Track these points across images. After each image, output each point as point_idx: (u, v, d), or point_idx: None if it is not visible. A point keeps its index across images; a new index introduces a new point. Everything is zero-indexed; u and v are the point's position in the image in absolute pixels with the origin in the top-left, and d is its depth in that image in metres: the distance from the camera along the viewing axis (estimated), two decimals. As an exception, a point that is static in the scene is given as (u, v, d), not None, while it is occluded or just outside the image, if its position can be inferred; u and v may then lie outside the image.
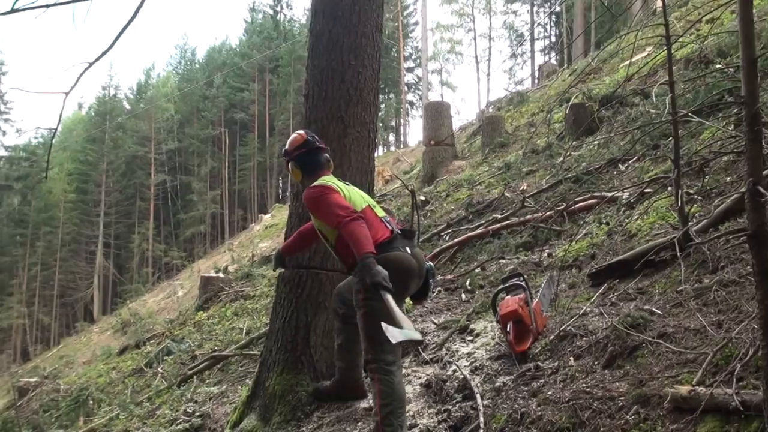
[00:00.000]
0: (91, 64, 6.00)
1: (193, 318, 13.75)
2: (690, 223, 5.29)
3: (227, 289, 14.51)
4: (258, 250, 23.90)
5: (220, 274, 16.79)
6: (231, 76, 62.65)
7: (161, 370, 10.08)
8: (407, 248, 4.18)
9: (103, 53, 6.12)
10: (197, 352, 10.18)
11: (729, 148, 6.71)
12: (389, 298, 3.80)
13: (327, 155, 4.64)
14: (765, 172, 5.31)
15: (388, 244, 4.11)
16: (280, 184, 64.23)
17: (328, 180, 4.37)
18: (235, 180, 63.48)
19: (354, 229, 3.98)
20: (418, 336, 3.75)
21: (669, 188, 6.38)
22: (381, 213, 4.33)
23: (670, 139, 6.27)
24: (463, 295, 6.99)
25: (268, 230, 31.23)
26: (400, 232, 4.27)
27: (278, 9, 69.46)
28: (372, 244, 3.94)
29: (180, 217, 62.09)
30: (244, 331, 10.25)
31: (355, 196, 4.32)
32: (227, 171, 62.94)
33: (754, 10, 11.37)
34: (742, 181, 5.23)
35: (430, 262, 4.30)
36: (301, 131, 4.71)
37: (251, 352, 8.43)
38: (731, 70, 8.33)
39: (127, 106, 71.08)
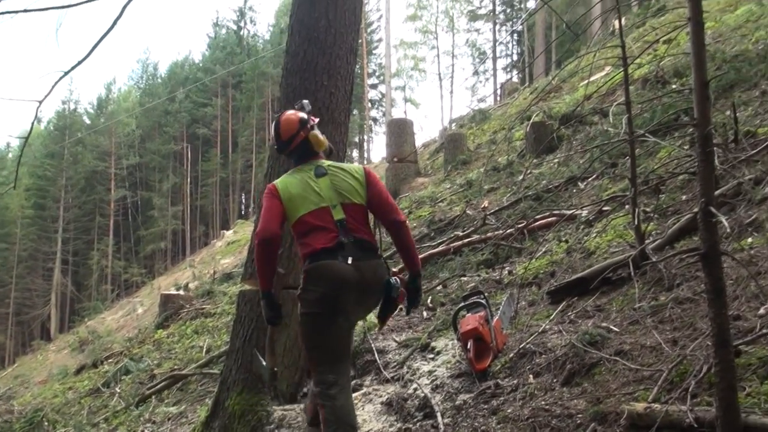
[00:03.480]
0: (66, 73, 5.98)
1: (152, 336, 13.57)
2: (647, 241, 5.38)
3: (188, 306, 14.36)
4: (220, 266, 23.70)
5: (181, 292, 16.62)
6: (194, 91, 62.21)
7: (119, 390, 9.92)
8: (349, 258, 3.78)
9: (79, 62, 6.11)
10: (156, 371, 10.04)
11: (684, 167, 6.83)
12: (270, 328, 3.98)
13: (306, 139, 4.14)
14: (717, 192, 5.44)
15: (323, 253, 3.80)
16: (243, 200, 63.87)
17: (284, 177, 4.12)
18: (197, 196, 62.93)
19: (256, 257, 3.95)
20: (265, 378, 3.97)
21: (626, 206, 6.47)
22: (339, 216, 3.88)
23: (627, 157, 6.39)
24: (425, 313, 7.00)
25: (231, 246, 30.99)
26: (354, 239, 3.86)
27: (242, 24, 69.27)
28: (266, 280, 3.90)
29: (140, 234, 61.30)
30: (204, 349, 10.14)
31: (302, 197, 3.93)
32: (189, 187, 62.38)
33: (709, 32, 11.68)
34: (696, 198, 5.34)
35: (394, 278, 3.91)
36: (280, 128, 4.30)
37: (211, 371, 8.34)
38: (687, 90, 8.50)
39: (87, 121, 70.10)
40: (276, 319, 4.02)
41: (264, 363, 4.18)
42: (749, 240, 4.80)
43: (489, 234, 8.60)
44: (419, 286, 4.11)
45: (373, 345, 6.29)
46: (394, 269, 4.09)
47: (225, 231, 40.27)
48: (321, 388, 3.74)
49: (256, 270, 4.03)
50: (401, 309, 4.26)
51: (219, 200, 62.11)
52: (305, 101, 4.33)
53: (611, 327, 4.57)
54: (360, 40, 55.22)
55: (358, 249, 3.82)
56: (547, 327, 5.10)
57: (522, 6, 54.39)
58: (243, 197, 63.77)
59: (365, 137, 63.13)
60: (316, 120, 4.25)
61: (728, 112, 7.12)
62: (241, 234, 32.71)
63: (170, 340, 12.24)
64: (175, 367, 9.71)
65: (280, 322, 4.12)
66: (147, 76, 75.34)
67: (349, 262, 3.76)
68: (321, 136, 4.14)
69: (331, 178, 3.96)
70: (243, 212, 59.94)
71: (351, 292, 3.79)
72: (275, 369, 4.18)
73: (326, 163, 4.08)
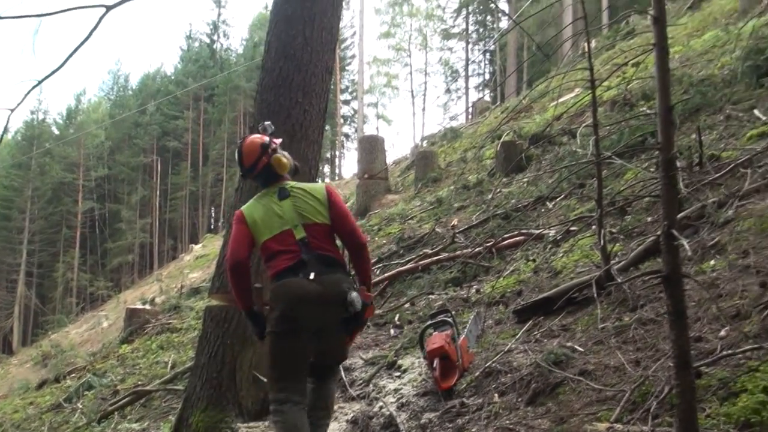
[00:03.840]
0: (40, 82, 5.99)
1: (116, 351, 13.39)
2: (612, 262, 5.43)
3: (153, 321, 14.21)
4: (188, 280, 23.49)
5: (147, 306, 16.46)
6: (165, 103, 61.83)
7: (81, 406, 9.76)
8: (311, 273, 3.81)
9: (54, 71, 6.11)
10: (119, 387, 9.91)
11: (649, 189, 6.92)
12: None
13: (269, 163, 4.16)
14: (682, 215, 5.53)
15: (285, 272, 3.86)
16: (213, 214, 63.48)
17: (250, 202, 4.18)
18: (166, 209, 62.41)
19: (230, 284, 4.03)
20: None
21: (593, 227, 6.53)
22: (300, 235, 3.91)
23: (595, 179, 6.47)
24: (392, 331, 7.01)
25: (199, 261, 30.72)
26: (317, 255, 3.88)
27: (215, 38, 69.17)
28: (244, 300, 3.99)
29: (107, 246, 60.56)
30: (169, 365, 10.03)
31: (265, 222, 3.98)
32: (158, 199, 61.88)
33: (677, 56, 11.86)
34: (661, 220, 5.41)
35: (355, 293, 3.89)
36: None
37: (176, 387, 8.24)
38: (653, 113, 8.62)
39: (56, 132, 69.37)
40: (264, 333, 4.05)
41: None
42: (712, 262, 4.86)
43: (457, 252, 8.63)
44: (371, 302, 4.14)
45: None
46: (361, 287, 4.09)
47: (194, 245, 39.93)
48: (275, 405, 3.79)
49: (230, 289, 4.07)
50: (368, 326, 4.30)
51: (188, 214, 61.67)
52: (267, 123, 4.36)
53: (576, 347, 4.61)
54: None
55: (321, 264, 3.86)
56: (513, 346, 5.13)
57: (494, 26, 55.02)
58: (213, 211, 63.40)
59: (337, 153, 63.23)
60: (279, 141, 4.28)
61: (693, 136, 7.23)
62: (210, 248, 32.46)
63: (135, 356, 12.09)
64: (139, 382, 9.59)
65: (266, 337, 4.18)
66: (118, 87, 74.77)
67: (311, 277, 3.79)
68: (284, 159, 4.18)
69: (293, 200, 4.01)
70: (212, 226, 59.55)
71: (313, 307, 3.80)
72: None
73: (290, 184, 4.12)
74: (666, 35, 3.34)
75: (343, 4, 6.54)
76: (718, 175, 6.37)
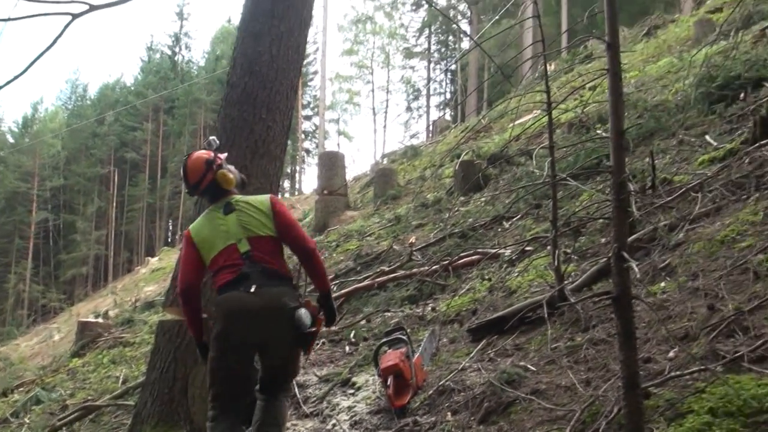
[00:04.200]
0: (0, 88, 5.86)
1: (67, 365, 13.11)
2: (565, 282, 5.49)
3: (106, 334, 13.96)
4: (143, 294, 23.16)
5: (100, 319, 16.17)
6: (124, 114, 61.17)
7: (28, 421, 9.53)
8: (253, 286, 3.78)
9: (15, 77, 6.01)
10: (69, 402, 9.70)
11: (603, 211, 7.03)
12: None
13: (215, 179, 4.15)
14: (634, 237, 5.62)
15: (226, 286, 3.86)
16: (170, 227, 62.78)
17: (197, 220, 4.20)
18: (122, 221, 61.59)
19: (182, 309, 4.07)
20: None
21: (548, 247, 6.61)
22: (244, 248, 3.90)
23: (551, 199, 6.58)
24: (347, 348, 6.99)
25: (155, 274, 30.32)
26: (260, 268, 3.87)
27: (177, 50, 68.79)
28: (195, 330, 4.04)
29: (61, 258, 59.49)
30: (121, 380, 9.85)
31: (212, 239, 3.97)
32: (115, 211, 61.05)
33: (633, 81, 12.08)
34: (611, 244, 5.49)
35: (304, 309, 3.86)
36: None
37: (126, 402, 8.10)
38: (608, 137, 8.77)
39: (11, 140, 68.15)
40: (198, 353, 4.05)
41: None
42: (662, 284, 4.95)
43: (414, 270, 8.65)
44: (331, 305, 4.13)
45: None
46: (307, 298, 4.08)
47: (150, 258, 39.41)
48: (208, 422, 3.86)
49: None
50: (322, 342, 4.26)
51: (145, 226, 60.92)
52: (212, 138, 4.37)
53: (528, 366, 4.64)
54: (295, 72, 55.46)
55: (263, 277, 3.84)
56: (467, 365, 5.15)
57: (456, 46, 55.62)
58: (170, 224, 62.73)
59: (297, 168, 63.09)
60: (224, 156, 4.27)
61: (647, 160, 7.37)
62: (166, 261, 32.05)
63: (85, 370, 11.85)
64: (89, 397, 9.40)
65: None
66: (76, 97, 73.86)
67: (252, 290, 3.77)
68: (229, 174, 4.18)
69: (238, 214, 4.00)
70: (170, 239, 58.88)
71: (253, 321, 3.77)
72: None
73: (235, 198, 4.11)
74: (619, 61, 3.42)
75: (311, 24, 6.57)
76: (669, 198, 6.50)
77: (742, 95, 8.74)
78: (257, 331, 3.81)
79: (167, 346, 5.43)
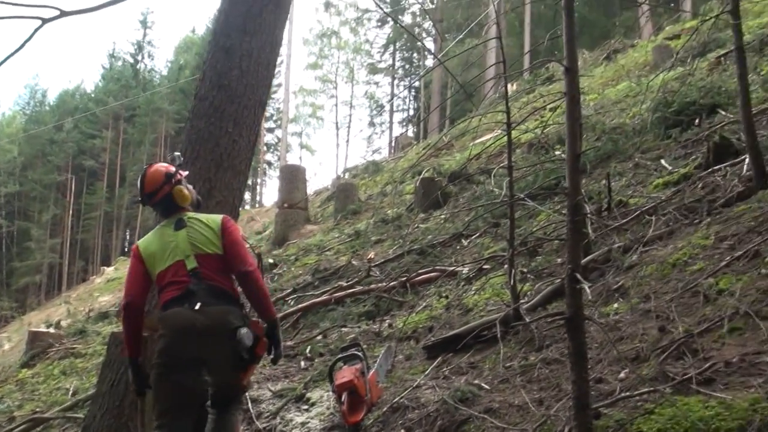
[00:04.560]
0: None
1: (16, 375, 12.82)
2: (521, 301, 5.55)
3: (57, 345, 13.68)
4: (97, 304, 22.81)
5: (52, 329, 15.86)
6: (83, 121, 60.33)
7: (-27, 432, 9.29)
8: (197, 304, 3.74)
9: None
10: (16, 414, 9.48)
11: (560, 231, 7.13)
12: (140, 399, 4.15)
13: (170, 194, 4.12)
14: (589, 258, 5.70)
15: (171, 302, 3.82)
16: (127, 236, 61.91)
17: (147, 235, 4.16)
18: (78, 229, 60.56)
19: (122, 324, 4.01)
20: None
21: (505, 266, 6.66)
22: (191, 265, 3.86)
23: (509, 218, 6.66)
24: (303, 363, 6.94)
25: (110, 284, 29.89)
26: (206, 286, 3.83)
27: (139, 58, 68.17)
28: (131, 346, 3.96)
29: (14, 265, 58.24)
30: (71, 391, 9.67)
31: (160, 254, 3.94)
32: (71, 219, 60.03)
33: (592, 104, 12.26)
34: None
35: (245, 329, 3.79)
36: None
37: (76, 415, 7.94)
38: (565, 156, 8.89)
39: (-35, 144, 66.79)
40: (143, 388, 3.97)
41: None
42: (615, 305, 5.01)
43: (372, 285, 8.65)
44: (278, 336, 4.05)
45: (246, 394, 6.17)
46: (254, 318, 4.03)
47: (105, 267, 38.84)
48: None
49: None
50: (270, 358, 4.17)
51: (101, 235, 59.99)
52: (177, 153, 4.34)
53: (482, 384, 4.66)
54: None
55: (208, 295, 3.80)
56: (422, 382, 5.15)
57: (420, 63, 55.95)
58: (127, 234, 61.87)
59: (258, 181, 62.78)
60: (185, 174, 4.24)
61: (604, 182, 7.49)
62: (122, 271, 31.58)
63: (35, 381, 11.60)
64: (38, 409, 9.20)
65: (145, 393, 4.07)
66: (34, 102, 72.69)
67: (196, 307, 3.73)
68: (186, 191, 4.15)
69: (188, 230, 3.96)
70: (126, 249, 58.04)
71: (196, 338, 3.72)
72: None
73: (188, 215, 4.07)
74: (577, 85, 3.48)
75: (281, 42, 6.61)
76: (624, 220, 6.61)
77: (697, 121, 8.95)
78: (200, 348, 3.75)
79: (119, 359, 5.33)
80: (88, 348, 12.80)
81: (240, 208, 6.21)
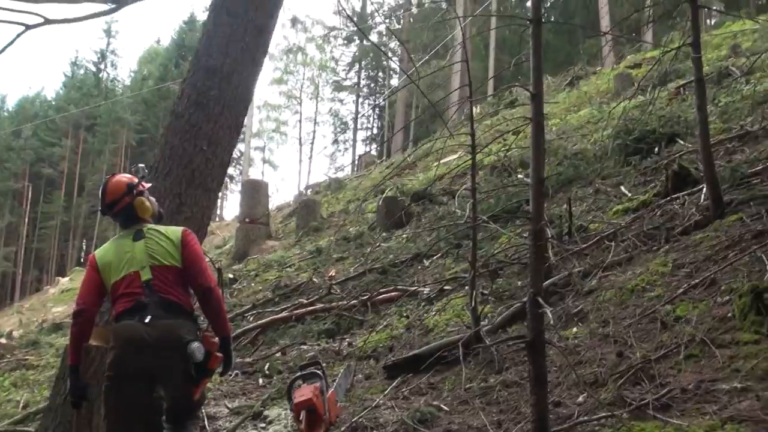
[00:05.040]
0: None
1: (-36, 387, 12.49)
2: (482, 323, 5.57)
3: (8, 356, 13.37)
4: (51, 315, 22.37)
5: (3, 340, 15.49)
6: (42, 128, 59.27)
7: None
8: (148, 317, 3.67)
9: None
10: (-37, 427, 9.23)
11: (521, 254, 7.20)
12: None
13: (131, 204, 4.05)
14: (549, 281, 5.76)
15: (122, 314, 3.74)
16: (84, 247, 60.90)
17: (105, 245, 4.08)
18: (33, 238, 59.40)
19: (70, 330, 3.93)
20: None
21: (466, 287, 6.69)
22: (146, 277, 3.78)
23: (471, 240, 6.71)
24: (261, 380, 6.88)
25: (64, 294, 29.32)
26: (158, 299, 3.75)
27: (102, 67, 67.37)
28: (75, 354, 3.87)
29: (-35, 273, 56.96)
30: (21, 404, 9.44)
31: (116, 264, 3.87)
32: (26, 227, 58.85)
33: (554, 129, 12.44)
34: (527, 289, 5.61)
35: (197, 342, 3.69)
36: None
37: (26, 428, 7.77)
38: (528, 180, 9.00)
39: None
40: (79, 400, 3.88)
41: None
42: (574, 330, 5.07)
43: (333, 303, 8.62)
44: (230, 352, 3.98)
45: (203, 410, 6.09)
46: (207, 333, 3.97)
47: (60, 278, 38.12)
48: None
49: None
50: (221, 374, 4.12)
51: (57, 245, 58.89)
52: (141, 165, 4.29)
53: (442, 406, 4.67)
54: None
55: (160, 308, 3.72)
56: (381, 402, 5.14)
57: (385, 82, 56.22)
58: (84, 244, 60.82)
59: (220, 194, 62.23)
60: (147, 186, 4.19)
61: (564, 206, 7.59)
62: (77, 282, 30.99)
63: (-16, 393, 11.32)
64: (-15, 422, 8.97)
65: (81, 407, 3.99)
66: (-8, 108, 71.32)
67: (147, 321, 3.66)
68: (147, 203, 4.08)
69: (146, 241, 3.89)
70: (82, 259, 57.06)
71: (146, 351, 3.64)
72: None
73: (148, 226, 4.00)
74: (542, 111, 3.53)
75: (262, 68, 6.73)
76: (585, 245, 6.71)
77: (656, 149, 9.13)
78: (150, 362, 3.68)
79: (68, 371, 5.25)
80: (41, 360, 12.52)
81: (208, 228, 6.21)
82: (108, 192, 4.09)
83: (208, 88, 6.05)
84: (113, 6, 6.74)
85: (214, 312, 3.93)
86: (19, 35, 6.51)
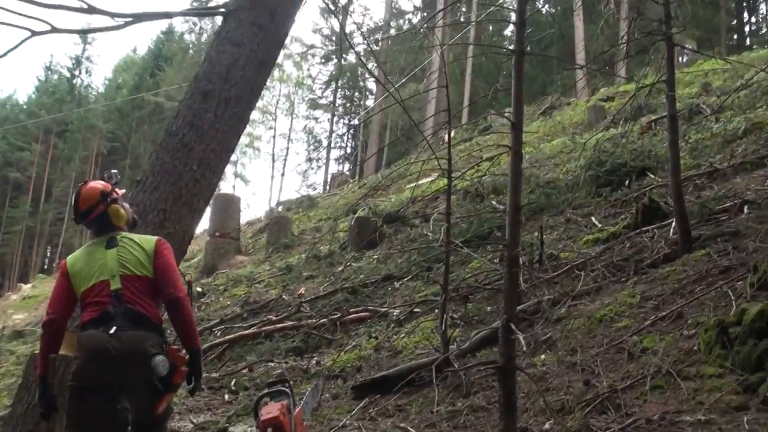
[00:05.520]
0: None
1: None
2: (451, 347, 5.60)
3: (-34, 363, 13.12)
4: (11, 322, 21.95)
5: (-39, 346, 15.19)
6: (12, 132, 58.51)
7: None
8: (113, 328, 3.59)
9: None
10: None
11: (492, 279, 7.27)
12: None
13: (106, 212, 4.00)
14: (519, 308, 5.81)
15: (88, 324, 3.67)
16: (48, 254, 60.03)
17: (77, 252, 4.01)
18: (-4, 242, 58.47)
19: (41, 340, 3.87)
20: None
21: (436, 311, 6.73)
22: (115, 286, 3.71)
23: (442, 263, 6.74)
24: (227, 396, 6.83)
25: (27, 301, 28.81)
26: (125, 309, 3.68)
27: (76, 73, 66.77)
28: (43, 363, 3.80)
29: (-75, 276, 55.82)
30: (-21, 412, 9.27)
31: (86, 272, 3.82)
32: (-11, 232, 57.96)
33: (527, 157, 12.57)
34: (500, 311, 5.65)
35: (162, 356, 3.63)
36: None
37: (-17, 437, 7.62)
38: (501, 208, 9.09)
39: None
40: (48, 411, 3.80)
41: None
42: (542, 357, 5.12)
43: (302, 321, 8.60)
44: (199, 366, 3.89)
45: (167, 424, 6.03)
46: (173, 346, 3.92)
47: (23, 284, 37.47)
48: None
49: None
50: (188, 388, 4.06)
51: (21, 251, 57.97)
52: (114, 171, 4.25)
53: (409, 428, 4.68)
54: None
55: (126, 319, 3.66)
56: (348, 422, 5.14)
57: (361, 102, 56.41)
58: (49, 251, 59.96)
59: (190, 207, 61.82)
60: (121, 192, 4.16)
61: (536, 234, 7.68)
62: (39, 289, 30.54)
63: (-60, 399, 11.09)
64: (-59, 429, 8.78)
65: (50, 417, 3.91)
66: (-38, 110, 70.29)
67: (111, 332, 3.59)
68: (122, 210, 4.03)
69: (119, 250, 3.83)
70: (46, 266, 56.25)
71: (110, 363, 3.58)
72: None
73: (121, 234, 3.95)
74: (522, 141, 3.60)
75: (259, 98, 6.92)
76: (555, 274, 6.79)
77: (627, 182, 9.28)
78: (114, 374, 3.63)
79: (37, 380, 5.18)
80: (0, 368, 12.32)
81: (188, 246, 6.29)
82: (82, 200, 4.03)
83: (205, 111, 6.18)
84: (125, 22, 6.83)
85: (183, 323, 3.85)
86: (23, 41, 6.53)
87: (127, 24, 6.88)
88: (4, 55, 6.31)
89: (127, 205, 4.18)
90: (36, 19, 6.54)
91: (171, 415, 4.87)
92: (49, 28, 6.48)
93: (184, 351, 3.87)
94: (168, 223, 5.74)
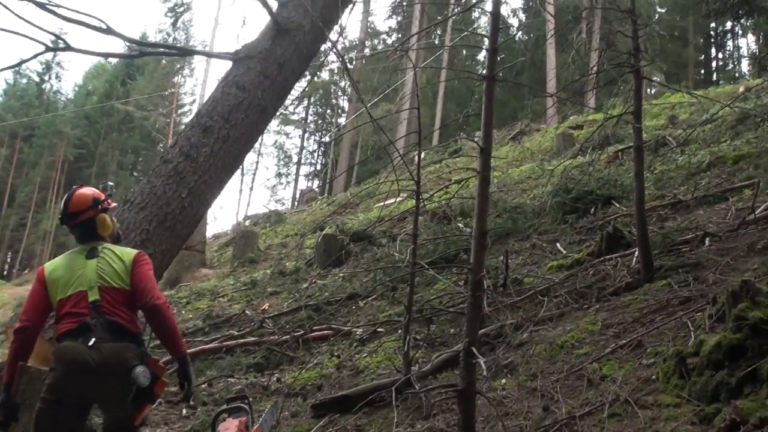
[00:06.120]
0: None
1: None
2: (413, 368, 5.60)
3: None
4: (-35, 329, 21.48)
5: None
6: (-24, 135, 57.68)
7: None
8: (92, 339, 3.55)
9: None
10: None
11: (456, 302, 7.29)
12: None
13: (93, 219, 3.96)
14: (482, 332, 5.83)
15: (65, 335, 3.63)
16: (8, 259, 58.98)
17: (56, 259, 3.97)
18: (-45, 247, 57.35)
19: (10, 345, 3.83)
20: None
21: (399, 331, 6.73)
22: (93, 297, 3.68)
23: (407, 284, 6.74)
24: (185, 410, 6.75)
25: (-17, 308, 28.30)
26: (104, 321, 3.64)
27: (46, 78, 66.03)
28: (10, 371, 3.73)
29: None
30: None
31: (64, 281, 3.77)
32: (-52, 235, 56.84)
33: (495, 181, 12.69)
34: (462, 334, 5.66)
35: (142, 367, 3.59)
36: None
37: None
38: (468, 231, 9.15)
39: None
40: (7, 420, 3.72)
41: None
42: (503, 381, 5.14)
43: (264, 338, 8.55)
44: (188, 372, 3.88)
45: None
46: (154, 357, 3.88)
47: (-20, 290, 36.78)
48: None
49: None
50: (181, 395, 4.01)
51: (-20, 256, 56.97)
52: (110, 183, 4.23)
53: (367, 449, 4.66)
54: (168, 120, 54.56)
55: (106, 330, 3.63)
56: (306, 441, 5.11)
57: (333, 120, 56.50)
58: (9, 257, 58.91)
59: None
60: (112, 205, 4.13)
61: (501, 258, 7.73)
62: (-3, 296, 30.03)
63: None
64: None
65: (8, 427, 3.80)
66: (-76, 111, 69.03)
67: (90, 343, 3.55)
68: (109, 221, 4.01)
69: (98, 260, 3.79)
70: (5, 272, 55.24)
71: (88, 375, 3.54)
72: None
73: (103, 245, 3.92)
74: (490, 166, 3.63)
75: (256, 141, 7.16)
76: (518, 298, 6.84)
77: (592, 210, 9.40)
78: (91, 387, 3.58)
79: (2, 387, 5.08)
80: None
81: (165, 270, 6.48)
82: (72, 202, 3.99)
83: (202, 145, 6.38)
84: (134, 53, 7.16)
85: (166, 330, 3.81)
86: (37, 55, 6.83)
87: (142, 55, 7.16)
88: (17, 65, 6.57)
89: (115, 219, 4.15)
90: (54, 35, 7.09)
91: (146, 425, 4.80)
92: (64, 45, 6.81)
93: (163, 361, 3.83)
94: (149, 243, 5.83)
